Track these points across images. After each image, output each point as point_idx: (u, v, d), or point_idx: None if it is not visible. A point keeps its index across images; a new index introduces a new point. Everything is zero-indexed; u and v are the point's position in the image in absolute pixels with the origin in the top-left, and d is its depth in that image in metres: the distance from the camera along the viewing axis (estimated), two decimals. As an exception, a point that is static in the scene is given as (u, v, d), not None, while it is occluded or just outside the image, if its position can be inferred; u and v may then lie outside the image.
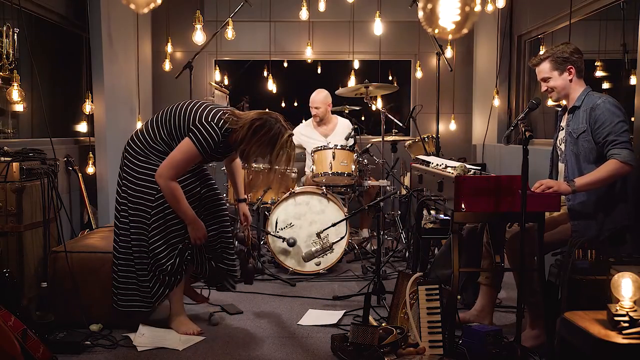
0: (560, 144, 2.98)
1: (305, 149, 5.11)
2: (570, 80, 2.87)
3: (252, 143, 2.84)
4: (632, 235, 2.82)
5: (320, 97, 5.07)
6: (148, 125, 2.98)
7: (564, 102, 3.02)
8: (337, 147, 4.43)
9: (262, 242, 4.43)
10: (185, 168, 2.86)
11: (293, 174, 4.72)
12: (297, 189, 4.47)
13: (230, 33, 4.82)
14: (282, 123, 2.89)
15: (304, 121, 5.42)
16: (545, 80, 2.92)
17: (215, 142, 2.81)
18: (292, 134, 2.93)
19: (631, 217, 2.76)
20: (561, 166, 2.97)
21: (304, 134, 5.19)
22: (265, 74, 6.42)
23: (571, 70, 2.86)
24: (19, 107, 3.55)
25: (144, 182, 2.92)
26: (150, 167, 2.91)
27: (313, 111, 5.12)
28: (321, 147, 4.48)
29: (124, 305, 2.99)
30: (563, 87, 2.89)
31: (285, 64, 6.81)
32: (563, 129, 2.96)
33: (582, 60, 2.89)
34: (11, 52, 3.31)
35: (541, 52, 3.21)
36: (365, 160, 4.59)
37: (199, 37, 4.60)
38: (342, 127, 5.11)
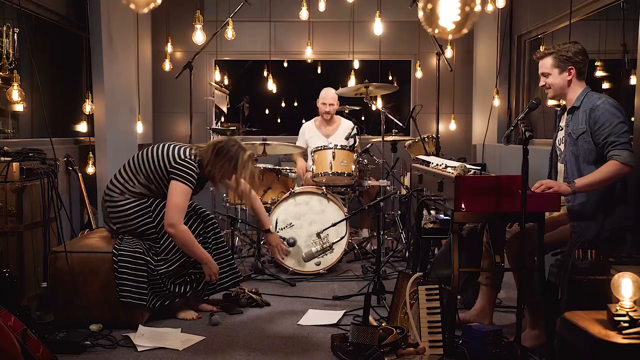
0: (559, 144, 2.98)
1: (306, 148, 5.11)
2: (570, 81, 2.86)
3: (216, 164, 3.13)
4: (632, 235, 2.82)
5: (332, 94, 5.07)
6: (123, 173, 3.20)
7: (562, 102, 3.02)
8: (337, 147, 4.43)
9: (262, 242, 4.43)
10: (186, 207, 3.12)
11: (292, 174, 4.72)
12: (297, 189, 4.47)
13: (230, 33, 4.82)
14: (240, 144, 3.18)
15: (303, 121, 5.41)
16: (545, 75, 2.91)
17: (196, 173, 3.10)
18: (253, 154, 3.23)
19: (631, 217, 2.76)
20: (560, 166, 2.97)
21: (307, 134, 5.20)
22: (265, 74, 6.42)
23: (571, 70, 2.85)
24: (19, 107, 3.54)
25: (139, 220, 3.15)
26: (137, 207, 3.14)
27: (326, 108, 5.08)
28: (321, 147, 4.48)
29: (123, 296, 3.04)
30: (560, 86, 2.88)
31: (285, 64, 6.81)
32: (562, 128, 2.95)
33: (586, 62, 2.86)
34: (11, 52, 3.32)
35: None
36: (365, 160, 4.59)
37: (199, 37, 4.60)
38: (344, 128, 5.10)
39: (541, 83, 2.95)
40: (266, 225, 3.57)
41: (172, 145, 3.17)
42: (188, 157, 3.10)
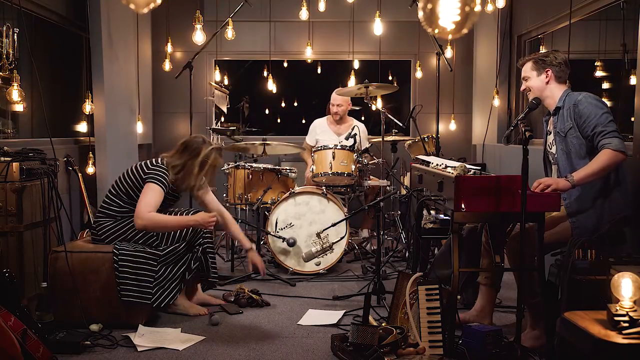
0: (550, 148, 3.00)
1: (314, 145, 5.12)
2: (547, 83, 2.93)
3: (182, 159, 3.22)
4: (631, 233, 2.82)
5: (341, 96, 5.06)
6: (107, 200, 3.26)
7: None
8: (337, 147, 4.43)
9: (262, 242, 4.43)
10: (156, 205, 3.12)
11: (292, 174, 4.72)
12: (297, 189, 4.47)
13: (230, 33, 4.82)
14: (205, 139, 3.30)
15: (303, 121, 5.41)
16: (525, 79, 3.01)
17: (167, 175, 3.18)
18: (215, 148, 3.28)
19: (628, 208, 2.78)
20: (554, 169, 2.98)
21: (318, 129, 5.20)
22: (265, 74, 6.41)
23: (548, 72, 2.92)
24: (19, 107, 3.54)
25: (132, 230, 3.20)
26: (127, 222, 3.21)
27: (334, 109, 5.13)
28: (321, 147, 4.48)
29: (125, 295, 3.05)
30: (538, 88, 2.95)
31: (285, 64, 6.81)
32: (550, 132, 2.99)
33: (563, 67, 2.93)
34: (11, 52, 3.31)
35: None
36: (365, 160, 4.59)
37: (199, 37, 4.60)
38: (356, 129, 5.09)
39: (522, 87, 3.06)
40: (247, 245, 3.52)
41: (144, 161, 3.29)
42: (159, 162, 3.22)
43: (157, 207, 3.12)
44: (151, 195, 3.10)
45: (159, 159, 3.26)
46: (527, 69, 2.99)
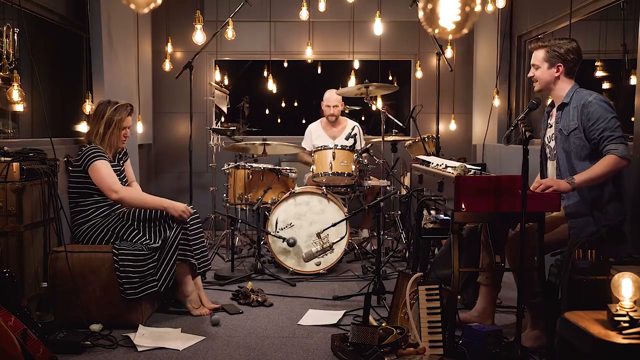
0: (549, 142, 2.98)
1: (305, 148, 5.12)
2: (557, 78, 2.87)
3: (95, 129, 3.34)
4: (631, 233, 2.82)
5: (335, 96, 5.06)
6: (72, 207, 3.33)
7: (549, 101, 3.02)
8: (337, 147, 4.43)
9: (262, 242, 4.43)
10: (112, 173, 3.26)
11: (292, 174, 4.72)
12: (297, 189, 4.47)
13: (230, 33, 4.82)
14: (109, 101, 3.38)
15: (304, 121, 5.41)
16: (535, 67, 2.93)
17: (97, 149, 3.28)
18: (120, 105, 3.36)
19: (626, 212, 2.77)
20: (550, 164, 2.97)
21: (314, 134, 5.20)
22: (265, 74, 6.41)
23: (559, 67, 2.85)
24: (19, 107, 3.54)
25: (113, 222, 3.26)
26: (103, 213, 3.29)
27: (330, 110, 5.11)
28: (321, 147, 4.48)
29: (128, 293, 3.05)
30: (546, 81, 2.89)
31: (285, 64, 6.81)
32: (551, 126, 2.95)
33: (577, 61, 2.86)
34: (11, 52, 3.31)
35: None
36: (366, 160, 4.59)
37: (199, 37, 4.60)
38: (350, 129, 5.09)
39: (530, 74, 2.98)
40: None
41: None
42: (85, 146, 3.31)
43: (116, 179, 3.24)
44: (103, 171, 3.20)
45: (84, 144, 3.35)
46: (539, 57, 2.89)
